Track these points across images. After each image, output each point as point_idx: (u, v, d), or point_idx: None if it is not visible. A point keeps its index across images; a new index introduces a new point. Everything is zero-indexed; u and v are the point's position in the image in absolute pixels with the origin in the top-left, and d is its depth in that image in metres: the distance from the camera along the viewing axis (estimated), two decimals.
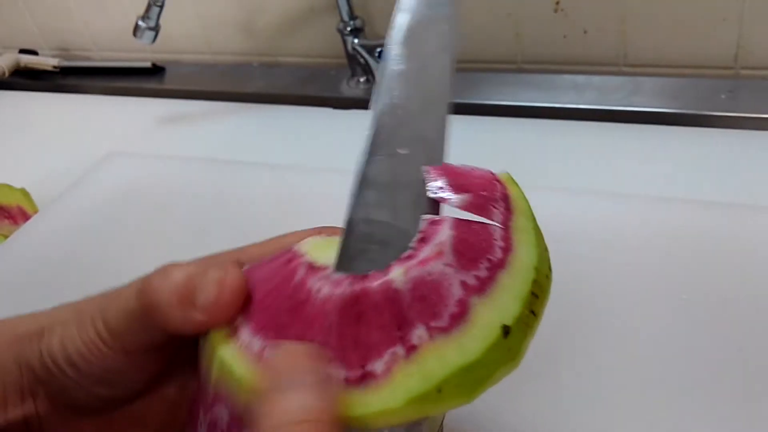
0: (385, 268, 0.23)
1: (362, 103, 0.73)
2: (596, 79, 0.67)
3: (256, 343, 0.23)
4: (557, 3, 0.66)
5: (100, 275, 0.52)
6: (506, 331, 0.21)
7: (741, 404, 0.34)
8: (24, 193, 0.63)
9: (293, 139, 0.70)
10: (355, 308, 0.22)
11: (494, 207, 0.25)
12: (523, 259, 0.23)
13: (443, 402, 0.21)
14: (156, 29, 0.70)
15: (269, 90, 0.79)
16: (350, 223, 0.25)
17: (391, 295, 0.22)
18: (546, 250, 0.25)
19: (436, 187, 0.25)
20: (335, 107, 0.74)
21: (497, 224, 0.24)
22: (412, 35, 0.30)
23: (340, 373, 0.21)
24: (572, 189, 0.52)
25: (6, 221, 0.60)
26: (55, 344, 0.26)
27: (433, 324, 0.21)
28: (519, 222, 0.25)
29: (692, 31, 0.63)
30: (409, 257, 0.23)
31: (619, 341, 0.38)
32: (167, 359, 0.27)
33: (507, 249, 0.23)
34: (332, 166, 0.61)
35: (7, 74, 0.90)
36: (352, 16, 0.70)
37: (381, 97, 0.28)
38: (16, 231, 0.58)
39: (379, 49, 0.69)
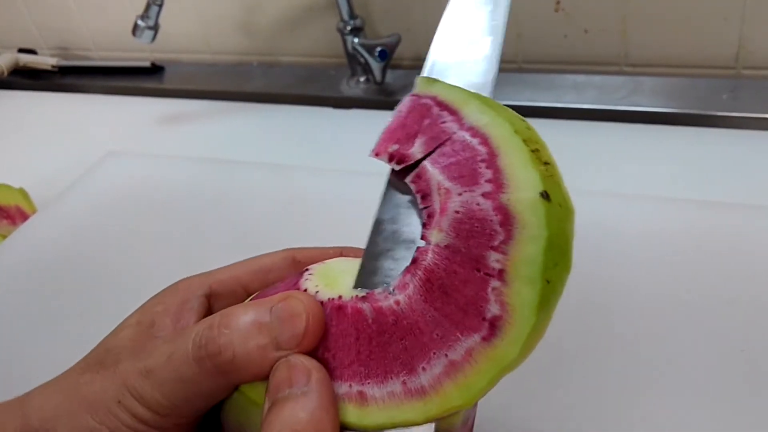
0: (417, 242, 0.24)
1: (362, 103, 0.73)
2: (597, 79, 0.67)
3: (377, 390, 0.22)
4: (558, 2, 0.66)
5: (99, 275, 0.52)
6: (545, 195, 0.22)
7: (743, 404, 0.34)
8: (22, 192, 0.63)
9: (293, 139, 0.70)
10: (434, 288, 0.22)
11: (442, 122, 0.25)
12: (499, 133, 0.24)
13: (557, 285, 0.22)
14: (155, 28, 0.70)
15: (269, 89, 0.79)
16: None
17: (446, 254, 0.23)
18: (501, 106, 0.25)
19: (394, 158, 0.26)
20: (335, 107, 0.74)
21: (457, 130, 0.25)
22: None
23: (474, 340, 0.21)
24: (573, 189, 0.52)
25: (4, 221, 0.60)
26: None
27: (495, 243, 0.22)
28: (467, 110, 0.25)
29: (693, 31, 0.62)
30: (430, 217, 0.24)
31: (620, 340, 0.38)
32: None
33: (483, 140, 0.24)
34: (332, 165, 0.61)
35: (6, 73, 0.90)
36: (352, 16, 0.70)
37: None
38: (15, 231, 0.58)
39: (379, 49, 0.69)
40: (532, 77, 0.69)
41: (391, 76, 0.73)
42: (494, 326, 0.21)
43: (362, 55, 0.70)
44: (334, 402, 0.22)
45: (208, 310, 0.27)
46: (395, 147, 0.26)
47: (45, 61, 0.91)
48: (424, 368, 0.22)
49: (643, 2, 0.63)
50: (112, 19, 0.90)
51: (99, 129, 0.80)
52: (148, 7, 0.69)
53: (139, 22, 0.69)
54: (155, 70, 0.87)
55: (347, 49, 0.72)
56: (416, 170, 0.25)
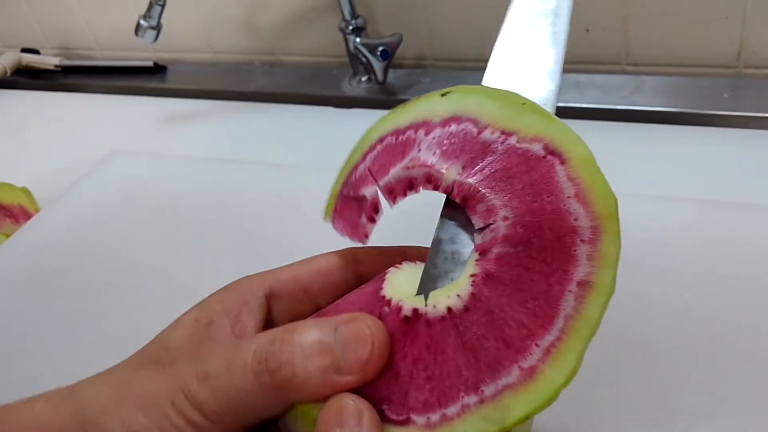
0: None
1: (364, 102, 0.73)
2: (598, 78, 0.67)
3: (570, 305, 0.22)
4: None
5: (102, 274, 0.52)
6: (444, 94, 0.26)
7: (744, 405, 0.34)
8: (26, 192, 0.63)
9: (295, 138, 0.70)
10: (502, 180, 0.23)
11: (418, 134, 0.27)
12: (456, 104, 0.27)
13: (553, 117, 0.25)
14: (158, 28, 0.70)
15: (271, 89, 0.79)
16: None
17: (469, 171, 0.24)
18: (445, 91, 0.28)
19: (388, 192, 0.26)
20: (337, 106, 0.74)
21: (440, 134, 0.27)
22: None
23: (569, 198, 0.22)
24: None
25: (8, 220, 0.60)
26: None
27: (475, 131, 0.25)
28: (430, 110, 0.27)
29: (695, 30, 0.63)
30: (430, 181, 0.25)
31: (620, 340, 0.38)
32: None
33: (416, 126, 0.27)
34: (334, 165, 0.61)
35: (9, 73, 0.90)
36: (354, 15, 0.70)
37: None
38: (18, 230, 0.58)
39: (380, 48, 0.69)
40: None
41: (393, 76, 0.74)
42: (564, 168, 0.23)
43: (364, 55, 0.70)
44: None
45: (267, 312, 0.27)
46: (368, 190, 0.27)
47: (48, 60, 0.91)
48: (575, 265, 0.22)
49: (645, 1, 0.63)
50: (114, 18, 0.91)
51: (102, 128, 0.80)
52: (150, 7, 0.69)
53: (142, 21, 0.69)
54: (158, 69, 0.88)
55: (349, 49, 0.72)
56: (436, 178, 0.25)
